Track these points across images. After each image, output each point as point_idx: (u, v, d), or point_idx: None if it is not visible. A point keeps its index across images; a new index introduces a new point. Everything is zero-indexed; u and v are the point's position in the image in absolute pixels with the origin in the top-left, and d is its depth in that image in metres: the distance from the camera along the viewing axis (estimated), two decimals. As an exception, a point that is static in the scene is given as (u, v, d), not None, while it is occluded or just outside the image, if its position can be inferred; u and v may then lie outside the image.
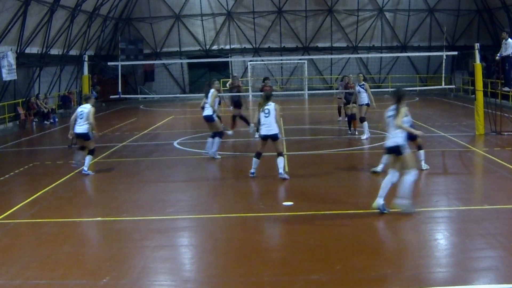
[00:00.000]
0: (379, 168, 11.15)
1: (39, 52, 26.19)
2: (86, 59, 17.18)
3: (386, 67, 37.47)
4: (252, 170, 11.44)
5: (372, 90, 16.49)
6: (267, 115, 11.11)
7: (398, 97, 8.44)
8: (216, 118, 13.65)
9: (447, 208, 8.87)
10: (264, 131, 11.21)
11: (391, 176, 8.48)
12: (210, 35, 37.75)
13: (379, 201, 8.40)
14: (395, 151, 8.41)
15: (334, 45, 37.33)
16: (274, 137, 11.16)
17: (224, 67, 37.53)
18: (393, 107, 8.48)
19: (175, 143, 16.63)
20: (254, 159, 11.43)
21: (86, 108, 12.06)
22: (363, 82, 16.34)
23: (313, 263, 6.68)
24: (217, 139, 13.52)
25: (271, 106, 11.14)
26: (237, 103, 17.27)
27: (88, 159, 12.23)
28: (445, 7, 36.35)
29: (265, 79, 17.77)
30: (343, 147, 15.17)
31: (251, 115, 19.57)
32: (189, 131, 18.14)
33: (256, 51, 37.55)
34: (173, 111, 28.45)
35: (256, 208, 9.35)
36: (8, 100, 24.08)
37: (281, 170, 11.14)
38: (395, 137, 8.38)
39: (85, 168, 12.18)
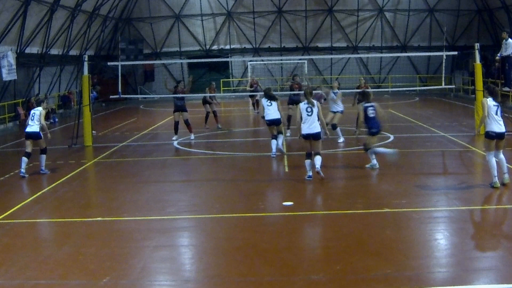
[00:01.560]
0: (376, 163, 11.65)
1: (39, 52, 26.19)
2: (86, 59, 17.19)
3: (386, 67, 37.45)
4: (309, 173, 10.77)
5: (372, 90, 16.44)
6: (309, 113, 10.60)
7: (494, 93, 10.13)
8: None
9: (447, 208, 8.87)
10: (306, 130, 10.66)
11: (493, 157, 9.75)
12: (210, 35, 37.74)
13: (496, 179, 9.70)
14: (504, 136, 9.82)
15: (334, 45, 37.33)
16: (316, 136, 10.67)
17: (224, 67, 37.54)
18: (492, 98, 10.03)
19: (175, 143, 16.62)
20: (307, 161, 10.82)
21: (38, 111, 12.68)
22: (337, 90, 16.48)
23: (313, 263, 6.69)
24: (281, 138, 13.66)
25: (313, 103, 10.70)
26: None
27: (42, 158, 12.67)
28: (445, 7, 36.35)
29: (294, 76, 17.79)
30: (343, 147, 15.17)
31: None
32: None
33: (256, 51, 37.53)
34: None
35: (256, 208, 9.35)
36: (8, 100, 24.08)
37: (318, 166, 10.54)
38: (502, 124, 9.84)
39: (42, 168, 12.64)
